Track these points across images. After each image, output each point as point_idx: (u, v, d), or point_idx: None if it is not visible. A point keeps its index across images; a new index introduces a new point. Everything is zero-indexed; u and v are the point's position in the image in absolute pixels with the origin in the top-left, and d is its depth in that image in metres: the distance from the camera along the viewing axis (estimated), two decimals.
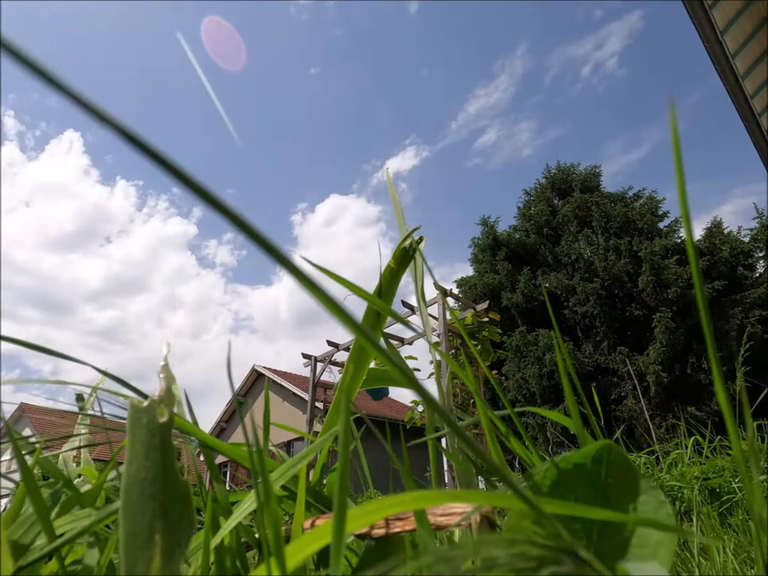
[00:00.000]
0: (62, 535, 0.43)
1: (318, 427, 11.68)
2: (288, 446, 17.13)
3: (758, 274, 15.82)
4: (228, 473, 14.66)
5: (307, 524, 0.47)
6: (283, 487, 0.54)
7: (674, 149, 0.25)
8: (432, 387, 0.93)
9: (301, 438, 16.00)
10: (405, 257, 0.62)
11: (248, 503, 0.43)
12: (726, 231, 16.50)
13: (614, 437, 2.56)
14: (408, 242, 0.63)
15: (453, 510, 0.41)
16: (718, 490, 2.36)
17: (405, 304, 7.49)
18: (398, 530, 0.39)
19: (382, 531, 0.40)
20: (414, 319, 8.40)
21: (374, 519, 0.26)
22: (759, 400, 2.31)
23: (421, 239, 0.65)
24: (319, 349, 10.02)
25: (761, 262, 15.99)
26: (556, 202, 19.71)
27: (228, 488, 0.60)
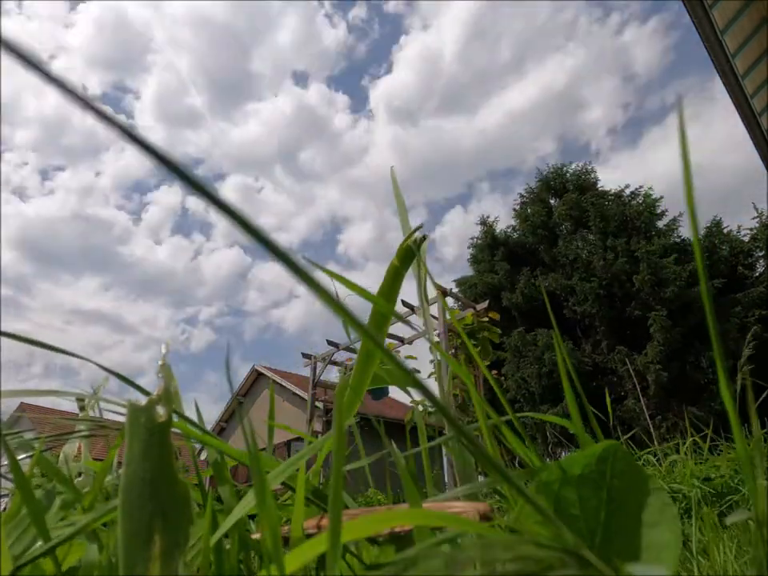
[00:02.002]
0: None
1: (317, 426, 11.69)
2: (287, 445, 17.14)
3: (757, 273, 15.82)
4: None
5: (313, 523, 0.47)
6: (286, 486, 0.54)
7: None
8: (432, 387, 0.93)
9: (300, 438, 16.01)
10: (408, 255, 0.62)
11: (248, 501, 0.43)
12: (725, 230, 16.49)
13: (622, 439, 2.57)
14: (411, 240, 0.62)
15: (452, 509, 0.41)
16: (718, 490, 2.36)
17: (404, 303, 7.49)
18: (400, 529, 0.39)
19: (386, 531, 0.40)
20: (413, 318, 8.41)
21: (369, 533, 0.27)
22: (761, 399, 2.31)
23: (424, 238, 0.64)
24: (319, 349, 10.02)
25: (760, 261, 15.99)
26: (552, 202, 19.68)
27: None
